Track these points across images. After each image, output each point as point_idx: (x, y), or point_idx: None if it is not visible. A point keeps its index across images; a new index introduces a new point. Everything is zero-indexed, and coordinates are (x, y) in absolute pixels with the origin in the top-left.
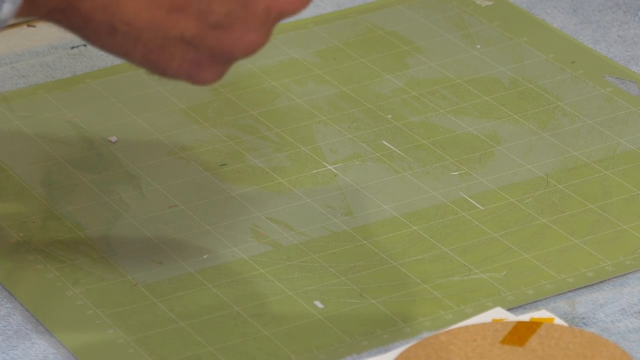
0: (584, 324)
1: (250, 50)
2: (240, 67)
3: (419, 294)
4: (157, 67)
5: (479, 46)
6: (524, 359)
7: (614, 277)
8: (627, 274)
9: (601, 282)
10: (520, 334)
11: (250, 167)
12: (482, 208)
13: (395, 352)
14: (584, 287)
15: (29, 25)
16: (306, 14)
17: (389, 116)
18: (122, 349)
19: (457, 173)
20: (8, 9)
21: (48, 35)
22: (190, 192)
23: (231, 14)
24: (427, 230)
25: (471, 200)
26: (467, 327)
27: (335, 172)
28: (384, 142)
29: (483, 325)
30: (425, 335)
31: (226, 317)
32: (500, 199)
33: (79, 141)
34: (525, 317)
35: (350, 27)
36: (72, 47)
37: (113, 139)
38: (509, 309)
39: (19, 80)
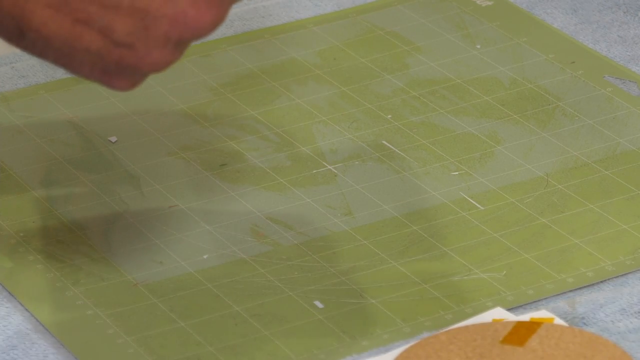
0: (584, 324)
1: (157, 67)
2: (241, 67)
3: (419, 294)
4: (71, 70)
5: (479, 46)
6: (524, 359)
7: (614, 277)
8: (627, 274)
9: (601, 282)
10: (520, 334)
11: (250, 167)
12: (482, 208)
13: (395, 352)
14: (584, 287)
15: None
16: (306, 14)
17: (389, 116)
18: (122, 349)
19: (457, 173)
20: None
21: None
22: (190, 192)
23: (132, 34)
24: (427, 230)
25: (471, 200)
26: (467, 327)
27: (335, 172)
28: (384, 142)
29: (483, 325)
30: (425, 335)
31: (226, 317)
32: (500, 199)
33: (79, 141)
34: (525, 317)
35: (350, 27)
36: None
37: (113, 139)
38: (509, 309)
39: (19, 80)
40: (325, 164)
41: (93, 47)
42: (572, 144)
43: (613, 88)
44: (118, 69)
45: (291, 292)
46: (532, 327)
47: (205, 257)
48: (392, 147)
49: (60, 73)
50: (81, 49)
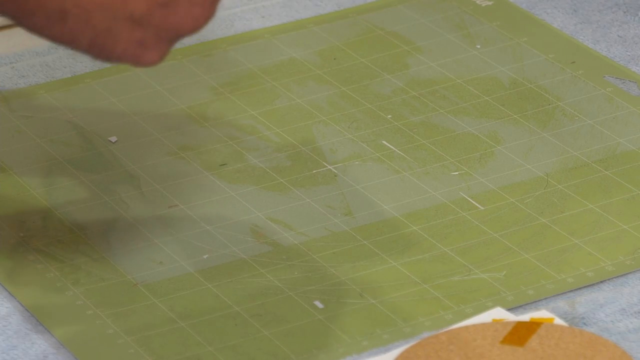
0: (584, 324)
1: (196, 25)
2: (240, 67)
3: (419, 294)
4: (103, 51)
5: (479, 46)
6: (524, 359)
7: (614, 277)
8: (627, 274)
9: (601, 282)
10: (520, 334)
11: (250, 167)
12: (482, 208)
13: (395, 352)
14: (584, 287)
15: None
16: (306, 13)
17: (389, 116)
18: (122, 349)
19: (457, 173)
20: None
21: None
22: (190, 192)
23: None
24: (427, 230)
25: (471, 200)
26: (467, 327)
27: (335, 172)
28: (384, 142)
29: (483, 325)
30: (425, 335)
31: (226, 317)
32: (500, 199)
33: (79, 141)
34: (525, 317)
35: (350, 27)
36: None
37: (113, 139)
38: (509, 309)
39: (19, 80)
40: (325, 164)
41: (137, 12)
42: (572, 144)
43: (613, 88)
44: (155, 36)
45: (291, 292)
46: (532, 327)
47: (205, 257)
48: (392, 147)
49: (60, 73)
50: (123, 18)
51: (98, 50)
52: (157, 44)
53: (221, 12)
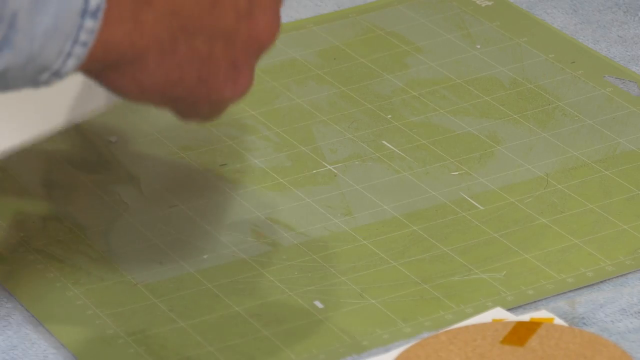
0: (584, 324)
1: (273, 33)
2: None
3: (419, 294)
4: (207, 84)
5: (479, 46)
6: (524, 359)
7: (614, 277)
8: (627, 274)
9: (601, 282)
10: (520, 334)
11: (250, 167)
12: (482, 208)
13: (395, 352)
14: (584, 287)
15: None
16: (306, 13)
17: (389, 116)
18: (122, 349)
19: (457, 173)
20: (72, 64)
21: None
22: (190, 192)
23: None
24: (427, 230)
25: (471, 200)
26: (467, 327)
27: (335, 172)
28: (384, 142)
29: (483, 325)
30: (425, 335)
31: (226, 317)
32: (500, 199)
33: (79, 141)
34: (525, 317)
35: (350, 27)
36: None
37: (113, 139)
38: (509, 309)
39: None
40: (325, 164)
41: (228, 26)
42: (572, 144)
43: (613, 88)
44: (245, 53)
45: (291, 292)
46: (532, 327)
47: (205, 257)
48: (392, 147)
49: None
50: (218, 36)
51: (203, 85)
52: (246, 63)
53: None
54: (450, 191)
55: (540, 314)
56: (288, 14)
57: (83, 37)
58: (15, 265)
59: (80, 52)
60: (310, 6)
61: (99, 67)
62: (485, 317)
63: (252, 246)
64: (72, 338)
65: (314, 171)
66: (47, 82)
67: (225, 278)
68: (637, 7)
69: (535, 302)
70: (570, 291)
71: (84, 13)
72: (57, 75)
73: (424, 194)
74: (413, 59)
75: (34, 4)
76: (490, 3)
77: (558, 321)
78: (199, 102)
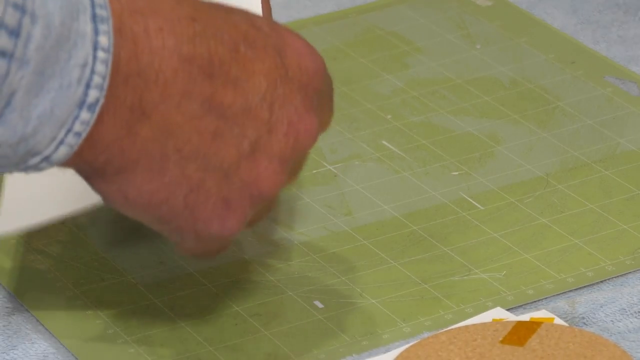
0: (584, 324)
1: (275, 183)
2: None
3: (419, 294)
4: (193, 213)
5: (479, 46)
6: (524, 359)
7: (614, 277)
8: (627, 274)
9: (601, 282)
10: (520, 334)
11: None
12: (482, 208)
13: (395, 352)
14: (584, 287)
15: None
16: (306, 13)
17: (389, 116)
18: (122, 349)
19: (457, 173)
20: (64, 152)
21: None
22: None
23: (259, 139)
24: (427, 230)
25: (471, 200)
26: (467, 327)
27: (335, 172)
28: (384, 142)
29: (483, 325)
30: (425, 335)
31: (226, 317)
32: (500, 199)
33: None
34: (525, 317)
35: (350, 27)
36: None
37: None
38: (509, 309)
39: None
40: (325, 164)
41: (227, 160)
42: (572, 144)
43: (613, 88)
44: (240, 194)
45: (291, 292)
46: (532, 327)
47: None
48: (392, 147)
49: None
50: (214, 168)
51: (189, 213)
52: (240, 205)
53: None
54: (450, 191)
55: (540, 313)
56: (288, 14)
57: (77, 127)
58: (15, 265)
59: (73, 141)
60: (310, 6)
61: (88, 170)
62: (485, 317)
63: (252, 246)
64: (72, 338)
65: (314, 171)
66: (37, 167)
67: (225, 278)
68: (637, 7)
69: (535, 302)
70: (570, 291)
71: (82, 104)
72: (48, 161)
73: (423, 194)
74: (413, 59)
75: (33, 87)
76: (490, 3)
77: (558, 321)
78: (185, 230)
